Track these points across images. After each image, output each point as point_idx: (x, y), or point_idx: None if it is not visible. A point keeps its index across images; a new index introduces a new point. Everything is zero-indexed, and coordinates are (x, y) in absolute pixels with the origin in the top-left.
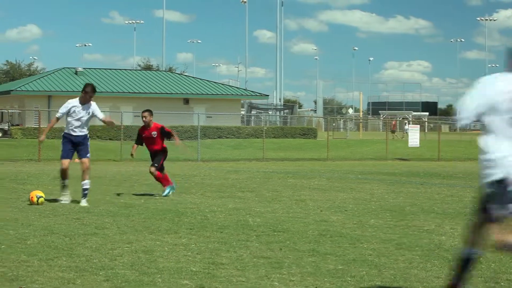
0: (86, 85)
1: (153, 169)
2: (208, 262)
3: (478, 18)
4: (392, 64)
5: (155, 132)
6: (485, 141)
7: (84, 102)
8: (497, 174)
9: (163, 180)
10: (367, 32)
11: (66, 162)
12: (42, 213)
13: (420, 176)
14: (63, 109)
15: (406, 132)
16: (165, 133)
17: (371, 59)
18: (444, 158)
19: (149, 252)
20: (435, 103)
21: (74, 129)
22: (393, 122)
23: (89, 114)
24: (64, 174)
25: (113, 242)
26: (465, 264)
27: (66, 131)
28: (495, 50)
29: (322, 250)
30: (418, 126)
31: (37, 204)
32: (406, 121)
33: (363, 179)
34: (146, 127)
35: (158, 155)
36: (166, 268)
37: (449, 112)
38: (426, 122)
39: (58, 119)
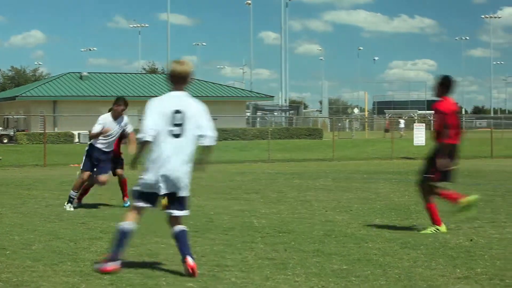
0: (118, 99)
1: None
2: (212, 264)
3: (483, 16)
4: (397, 63)
5: None
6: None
7: (116, 116)
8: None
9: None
10: (372, 31)
11: (87, 174)
12: (47, 218)
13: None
14: (98, 127)
15: (401, 131)
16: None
17: (376, 58)
18: None
19: (154, 256)
20: None
21: (103, 144)
22: (387, 122)
23: (121, 128)
24: (80, 186)
25: None
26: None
27: (94, 143)
28: (499, 47)
29: (327, 250)
30: (424, 124)
31: None
32: (400, 120)
33: (368, 178)
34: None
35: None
36: (171, 271)
37: None
38: (431, 121)
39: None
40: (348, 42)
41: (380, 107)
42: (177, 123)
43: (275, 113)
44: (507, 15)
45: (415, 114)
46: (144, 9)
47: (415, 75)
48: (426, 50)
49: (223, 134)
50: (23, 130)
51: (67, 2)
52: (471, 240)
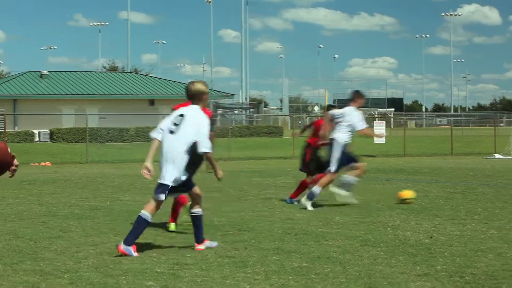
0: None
1: None
2: (172, 262)
3: (443, 14)
4: (357, 61)
5: None
6: None
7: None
8: None
9: None
10: (332, 29)
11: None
12: (7, 217)
13: (386, 172)
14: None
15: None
16: None
17: (336, 56)
18: (410, 154)
19: (114, 254)
20: (401, 99)
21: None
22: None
23: None
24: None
25: (78, 245)
26: None
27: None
28: (459, 45)
29: (287, 248)
30: (384, 122)
31: None
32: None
33: None
34: None
35: None
36: (130, 269)
37: (414, 107)
38: (392, 118)
39: None
40: (308, 40)
41: (341, 105)
42: (176, 123)
43: (236, 111)
44: (466, 13)
45: (375, 112)
46: (104, 8)
47: (375, 73)
48: (386, 48)
49: None
50: None
51: (27, 0)
52: (431, 237)
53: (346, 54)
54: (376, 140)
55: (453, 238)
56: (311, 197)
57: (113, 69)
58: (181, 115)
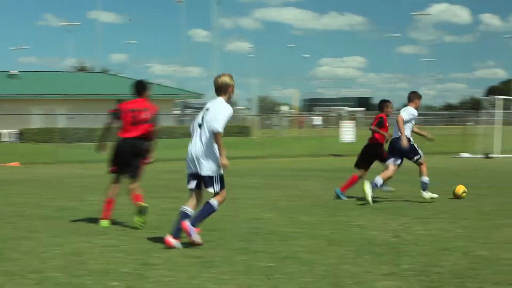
0: None
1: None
2: (138, 263)
3: (413, 13)
4: (327, 61)
5: None
6: None
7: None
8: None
9: None
10: (302, 29)
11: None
12: None
13: (343, 171)
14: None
15: (315, 128)
16: None
17: (306, 55)
18: None
19: (80, 254)
20: (370, 98)
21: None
22: (301, 119)
23: None
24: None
25: (44, 245)
26: None
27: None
28: (429, 44)
29: (254, 248)
30: (353, 121)
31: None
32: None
33: (296, 176)
34: None
35: None
36: (96, 270)
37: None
38: (362, 118)
39: None
40: (278, 39)
41: (310, 104)
42: (203, 117)
43: None
44: (437, 12)
45: (343, 111)
46: (74, 7)
47: (345, 72)
48: (356, 47)
49: None
50: None
51: None
52: (398, 236)
53: (316, 53)
54: (344, 139)
55: (420, 237)
56: (376, 187)
57: (82, 69)
58: (207, 109)
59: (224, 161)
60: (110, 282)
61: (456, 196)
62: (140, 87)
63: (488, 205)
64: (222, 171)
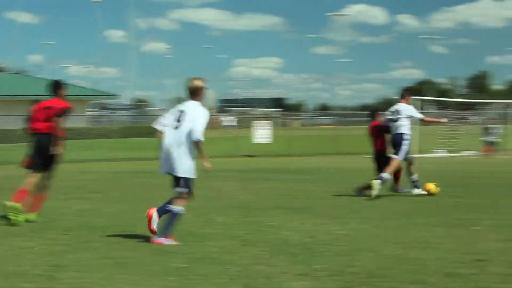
0: None
1: None
2: (51, 264)
3: (329, 14)
4: (244, 61)
5: None
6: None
7: None
8: None
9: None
10: (220, 29)
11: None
12: None
13: (269, 172)
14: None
15: (230, 129)
16: None
17: (223, 56)
18: (295, 153)
19: None
20: (285, 99)
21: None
22: (214, 120)
23: None
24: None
25: None
26: None
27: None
28: (346, 45)
29: (168, 249)
30: (269, 122)
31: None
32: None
33: (211, 176)
34: None
35: None
36: (5, 272)
37: (299, 107)
38: (277, 119)
39: None
40: (195, 40)
41: (226, 105)
42: (178, 119)
43: (120, 112)
44: (353, 12)
45: (258, 112)
46: None
47: (261, 72)
48: (273, 47)
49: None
50: None
51: None
52: (313, 237)
53: (233, 54)
54: (258, 139)
55: (334, 237)
56: (383, 181)
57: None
58: (181, 111)
59: (208, 164)
60: (21, 284)
61: (430, 193)
62: (55, 87)
63: (399, 204)
64: (195, 175)
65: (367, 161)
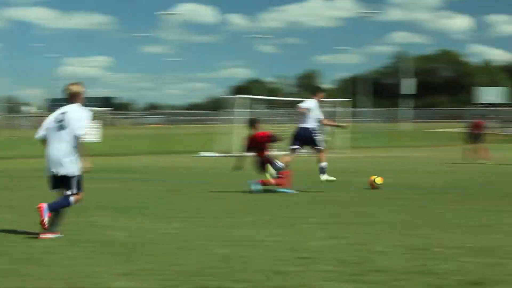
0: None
1: None
2: None
3: (158, 13)
4: (73, 61)
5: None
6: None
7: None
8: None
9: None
10: (49, 28)
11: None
12: None
13: (97, 172)
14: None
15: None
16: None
17: (51, 55)
18: (122, 153)
19: None
20: (115, 98)
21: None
22: (39, 120)
23: None
24: None
25: None
26: None
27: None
28: (176, 44)
29: None
30: (100, 121)
31: None
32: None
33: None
34: None
35: None
36: None
37: (128, 106)
38: (106, 118)
39: None
40: (24, 38)
41: (55, 104)
42: (61, 120)
43: None
44: (183, 11)
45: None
46: None
47: (91, 71)
48: (102, 46)
49: None
50: None
51: None
52: (138, 236)
53: (62, 53)
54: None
55: (160, 236)
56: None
57: None
58: (63, 113)
59: (88, 163)
60: None
61: (374, 187)
62: None
63: (228, 203)
64: (81, 174)
65: (196, 160)
